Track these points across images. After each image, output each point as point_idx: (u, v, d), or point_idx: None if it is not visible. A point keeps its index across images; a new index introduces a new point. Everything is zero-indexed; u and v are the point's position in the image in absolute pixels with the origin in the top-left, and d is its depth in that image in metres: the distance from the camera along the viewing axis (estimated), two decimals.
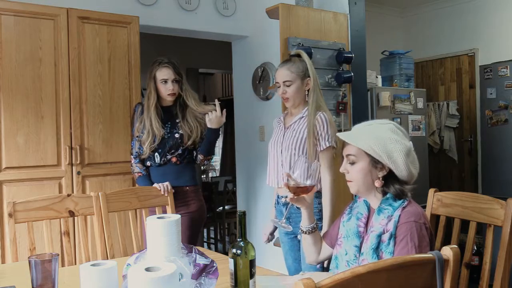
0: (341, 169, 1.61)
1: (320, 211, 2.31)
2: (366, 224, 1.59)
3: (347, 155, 1.58)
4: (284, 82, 2.28)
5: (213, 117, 2.62)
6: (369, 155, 1.53)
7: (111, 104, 3.22)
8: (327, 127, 2.26)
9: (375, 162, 1.52)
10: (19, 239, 2.09)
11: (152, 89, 2.68)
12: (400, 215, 1.47)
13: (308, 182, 1.60)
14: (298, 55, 2.34)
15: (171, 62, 2.67)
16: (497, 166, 4.39)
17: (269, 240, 2.50)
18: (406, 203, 1.51)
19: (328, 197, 2.27)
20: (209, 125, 2.66)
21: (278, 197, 2.37)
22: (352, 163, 1.56)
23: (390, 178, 1.54)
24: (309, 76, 2.29)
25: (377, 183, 1.54)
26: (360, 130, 1.60)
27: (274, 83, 2.36)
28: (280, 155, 2.31)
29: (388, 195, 1.54)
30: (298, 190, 1.61)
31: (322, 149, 2.27)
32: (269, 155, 2.41)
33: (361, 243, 1.56)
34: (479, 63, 4.97)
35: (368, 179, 1.55)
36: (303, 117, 2.30)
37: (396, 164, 1.51)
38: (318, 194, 2.32)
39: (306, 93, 2.31)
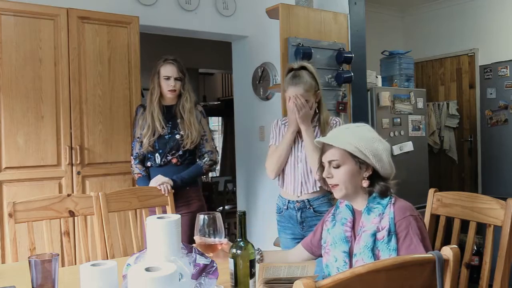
0: (325, 174, 1.59)
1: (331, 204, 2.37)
2: (353, 228, 1.59)
3: (330, 161, 1.57)
4: None
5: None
6: (354, 157, 1.54)
7: (111, 104, 3.22)
8: None
9: (360, 163, 1.54)
10: (19, 239, 2.09)
11: (156, 85, 2.71)
12: (394, 212, 1.49)
13: (217, 239, 1.51)
14: (303, 67, 2.33)
15: (176, 60, 2.71)
16: (497, 166, 4.39)
17: None
18: (393, 199, 1.54)
19: None
20: None
21: (289, 202, 2.38)
22: (337, 167, 1.56)
23: (374, 177, 1.56)
24: (318, 89, 2.33)
25: (365, 183, 1.55)
26: (340, 133, 1.61)
27: (286, 97, 2.34)
28: (300, 163, 2.36)
29: (374, 194, 1.55)
30: (207, 248, 1.53)
31: None
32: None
33: (350, 248, 1.56)
34: (479, 63, 4.96)
35: (355, 180, 1.55)
36: (316, 125, 2.37)
37: (382, 162, 1.54)
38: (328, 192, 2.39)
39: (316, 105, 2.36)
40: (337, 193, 1.59)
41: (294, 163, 2.37)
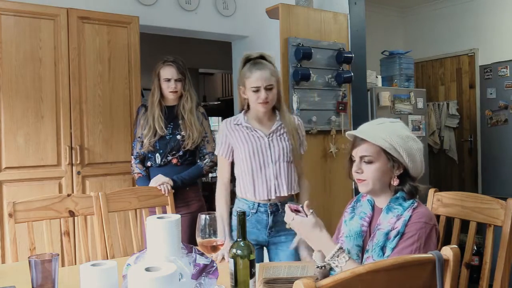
0: (354, 169, 1.54)
1: None
2: (370, 224, 1.58)
3: (362, 156, 1.52)
4: (266, 86, 2.13)
5: None
6: (387, 154, 1.49)
7: (111, 104, 3.22)
8: (304, 131, 2.32)
9: (393, 161, 1.50)
10: (19, 239, 2.09)
11: (156, 87, 2.70)
12: (411, 216, 1.46)
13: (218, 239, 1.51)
14: (262, 57, 2.20)
15: (175, 61, 2.69)
16: (497, 166, 4.39)
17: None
18: (416, 204, 1.50)
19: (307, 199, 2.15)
20: None
21: (259, 205, 2.19)
22: (369, 163, 1.51)
23: (404, 176, 1.52)
24: (279, 77, 2.21)
25: (395, 182, 1.52)
26: (374, 128, 1.54)
27: (247, 87, 2.16)
28: (270, 163, 2.18)
29: (398, 194, 1.52)
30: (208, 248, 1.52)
31: (304, 151, 2.30)
32: (249, 166, 2.19)
33: (363, 242, 1.55)
34: (479, 63, 4.97)
35: (385, 178, 1.52)
36: (280, 124, 2.22)
37: (415, 162, 1.51)
38: (294, 199, 2.29)
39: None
40: (362, 188, 1.54)
41: (265, 163, 2.17)
